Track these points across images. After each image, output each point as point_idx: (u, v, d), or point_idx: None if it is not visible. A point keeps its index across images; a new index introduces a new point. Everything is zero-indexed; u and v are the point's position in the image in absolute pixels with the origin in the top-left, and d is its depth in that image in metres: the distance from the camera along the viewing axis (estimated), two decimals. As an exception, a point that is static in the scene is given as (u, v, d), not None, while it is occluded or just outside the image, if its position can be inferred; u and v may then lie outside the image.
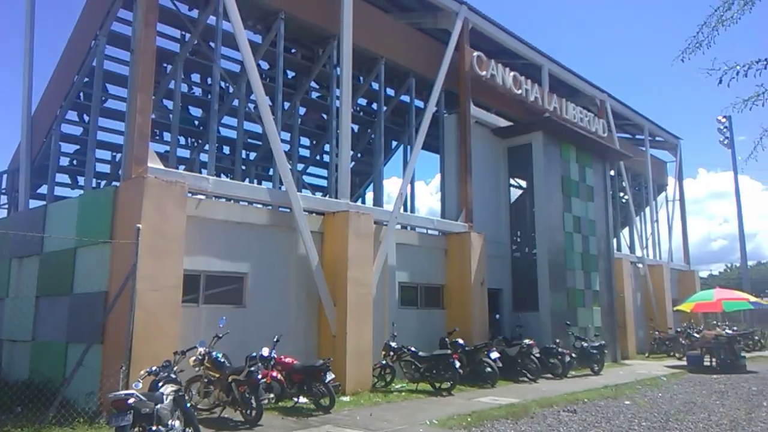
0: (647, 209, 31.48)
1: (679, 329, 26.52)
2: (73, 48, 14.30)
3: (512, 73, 20.19)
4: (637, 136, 31.58)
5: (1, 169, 16.10)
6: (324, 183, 20.44)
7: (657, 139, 32.54)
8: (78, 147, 15.99)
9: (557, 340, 17.28)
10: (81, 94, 14.67)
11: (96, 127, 13.75)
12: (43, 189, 15.29)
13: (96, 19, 13.39)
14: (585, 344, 18.13)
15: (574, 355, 17.40)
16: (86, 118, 15.18)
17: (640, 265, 28.21)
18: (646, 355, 25.38)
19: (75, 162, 16.25)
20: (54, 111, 14.52)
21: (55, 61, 14.93)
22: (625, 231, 30.24)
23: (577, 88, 24.84)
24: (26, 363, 11.94)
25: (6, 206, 16.10)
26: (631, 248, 29.13)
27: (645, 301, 28.15)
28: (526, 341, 16.00)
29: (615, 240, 25.64)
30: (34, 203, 14.95)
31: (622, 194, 29.20)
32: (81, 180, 16.01)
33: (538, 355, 16.05)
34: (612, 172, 26.04)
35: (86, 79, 14.07)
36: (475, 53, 18.95)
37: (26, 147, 14.82)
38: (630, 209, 28.56)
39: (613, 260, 23.10)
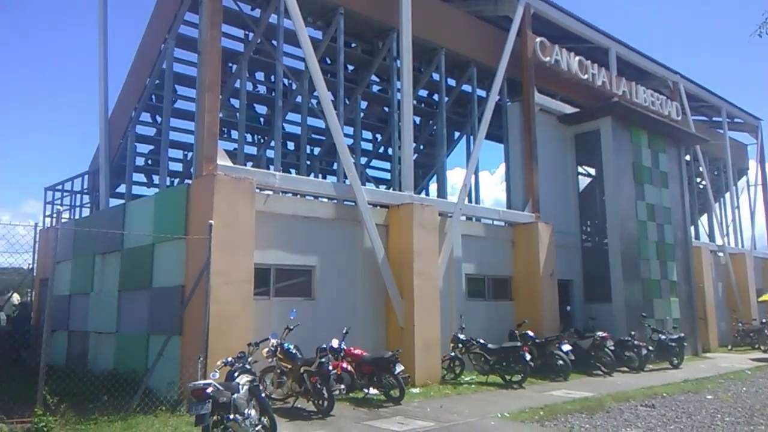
0: (727, 195, 29.86)
1: (764, 320, 25.03)
2: (144, 52, 14.89)
3: (577, 58, 19.58)
4: (715, 119, 30.00)
5: (83, 170, 16.96)
6: (387, 176, 20.48)
7: (736, 120, 30.78)
8: (152, 147, 16.66)
9: (633, 333, 16.65)
10: (153, 96, 15.25)
11: (168, 127, 14.29)
12: (122, 188, 16.03)
13: (164, 24, 13.89)
14: (663, 337, 17.40)
15: (651, 348, 16.73)
16: (159, 119, 15.81)
17: (721, 254, 26.85)
18: (729, 347, 24.14)
19: (150, 161, 16.94)
20: (129, 113, 15.19)
21: (128, 65, 15.63)
22: (704, 218, 28.81)
23: (647, 71, 23.82)
24: (111, 354, 12.57)
25: (89, 205, 16.97)
26: (711, 236, 27.71)
27: (727, 292, 26.81)
28: (600, 333, 15.54)
29: (693, 228, 24.46)
30: (113, 202, 15.73)
31: (699, 180, 27.81)
32: (156, 178, 16.68)
33: (612, 347, 15.55)
34: (688, 157, 24.82)
35: (157, 82, 14.62)
36: (538, 39, 18.47)
37: (105, 149, 15.58)
38: (708, 195, 27.18)
39: (691, 249, 22.06)
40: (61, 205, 17.45)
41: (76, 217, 17.05)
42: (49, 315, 8.71)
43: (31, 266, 16.27)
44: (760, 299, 25.17)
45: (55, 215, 17.44)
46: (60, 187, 17.65)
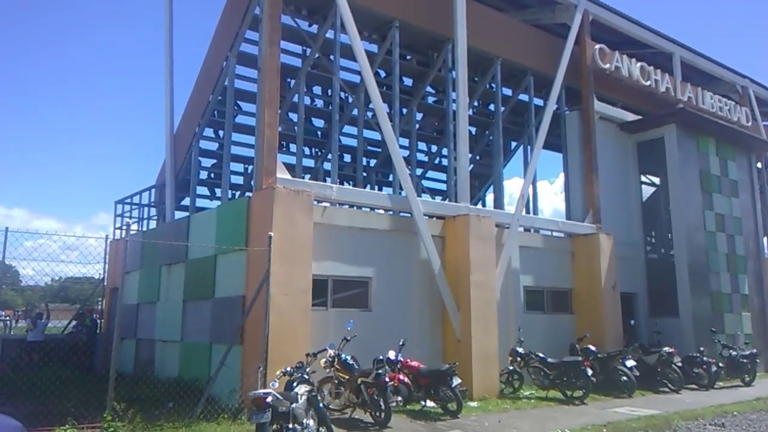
0: (803, 204, 28.16)
1: None
2: (208, 70, 15.44)
3: (639, 64, 19.04)
4: (789, 123, 28.42)
5: (151, 184, 17.66)
6: (443, 187, 20.39)
7: (812, 125, 29.07)
8: (215, 161, 17.19)
9: (701, 348, 15.92)
10: (215, 111, 15.76)
11: (230, 141, 14.73)
12: (186, 201, 16.59)
13: (226, 43, 14.37)
14: (734, 353, 16.58)
15: (721, 364, 15.99)
16: (221, 134, 16.32)
17: (797, 266, 25.28)
18: (807, 365, 22.68)
19: (212, 175, 17.46)
20: (193, 129, 15.75)
21: (193, 84, 16.21)
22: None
23: (714, 75, 22.93)
24: (176, 361, 13.00)
25: (155, 218, 17.64)
26: (786, 247, 26.17)
27: (804, 306, 25.17)
28: (666, 349, 14.94)
29: (766, 239, 23.22)
30: (178, 214, 16.29)
31: (772, 188, 26.35)
32: (218, 191, 17.18)
33: (680, 364, 14.95)
34: (759, 165, 23.64)
35: (219, 98, 15.11)
36: (597, 46, 18.08)
37: (170, 163, 16.20)
38: (782, 204, 25.71)
39: (764, 261, 20.97)
40: (130, 217, 18.20)
41: (144, 229, 17.75)
42: (118, 324, 9.09)
43: (102, 276, 17.08)
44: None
45: (124, 227, 18.23)
46: (129, 200, 18.41)
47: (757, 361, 17.04)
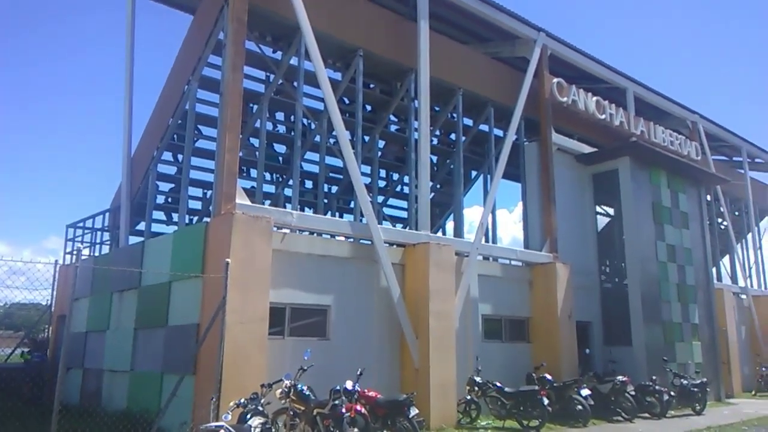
0: (749, 236, 29.35)
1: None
2: (168, 93, 15.25)
3: (595, 98, 19.67)
4: (735, 158, 29.73)
5: (104, 208, 17.19)
6: (404, 214, 20.51)
7: (757, 160, 30.47)
8: (173, 185, 16.89)
9: (654, 377, 16.24)
10: (175, 135, 15.53)
11: (189, 166, 14.51)
12: (142, 226, 16.20)
13: (188, 66, 14.26)
14: (685, 382, 16.95)
15: (673, 393, 16.31)
16: (180, 157, 16.07)
17: (744, 296, 26.28)
18: (753, 393, 23.47)
19: (170, 200, 17.15)
20: (151, 152, 15.47)
21: (152, 106, 15.97)
22: (726, 260, 28.27)
23: (665, 110, 23.83)
24: (125, 392, 12.52)
25: (108, 243, 17.14)
26: (733, 278, 27.18)
27: (750, 335, 26.15)
28: (620, 378, 15.18)
29: (715, 269, 24.03)
30: (133, 239, 15.88)
31: (720, 220, 27.41)
32: (175, 216, 16.86)
33: (633, 392, 15.17)
34: (708, 197, 24.57)
35: (180, 122, 14.92)
36: (555, 80, 18.63)
37: (126, 187, 15.83)
38: (730, 236, 26.73)
39: (713, 291, 21.63)
40: (82, 242, 17.65)
41: (96, 254, 17.23)
42: (65, 353, 8.71)
43: (49, 302, 16.44)
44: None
45: (75, 252, 17.65)
46: (81, 224, 17.87)
47: (708, 390, 17.44)
